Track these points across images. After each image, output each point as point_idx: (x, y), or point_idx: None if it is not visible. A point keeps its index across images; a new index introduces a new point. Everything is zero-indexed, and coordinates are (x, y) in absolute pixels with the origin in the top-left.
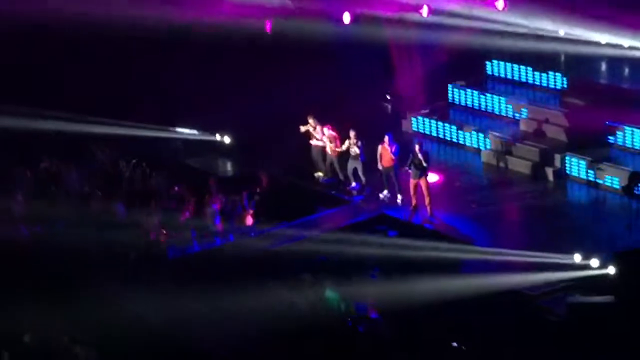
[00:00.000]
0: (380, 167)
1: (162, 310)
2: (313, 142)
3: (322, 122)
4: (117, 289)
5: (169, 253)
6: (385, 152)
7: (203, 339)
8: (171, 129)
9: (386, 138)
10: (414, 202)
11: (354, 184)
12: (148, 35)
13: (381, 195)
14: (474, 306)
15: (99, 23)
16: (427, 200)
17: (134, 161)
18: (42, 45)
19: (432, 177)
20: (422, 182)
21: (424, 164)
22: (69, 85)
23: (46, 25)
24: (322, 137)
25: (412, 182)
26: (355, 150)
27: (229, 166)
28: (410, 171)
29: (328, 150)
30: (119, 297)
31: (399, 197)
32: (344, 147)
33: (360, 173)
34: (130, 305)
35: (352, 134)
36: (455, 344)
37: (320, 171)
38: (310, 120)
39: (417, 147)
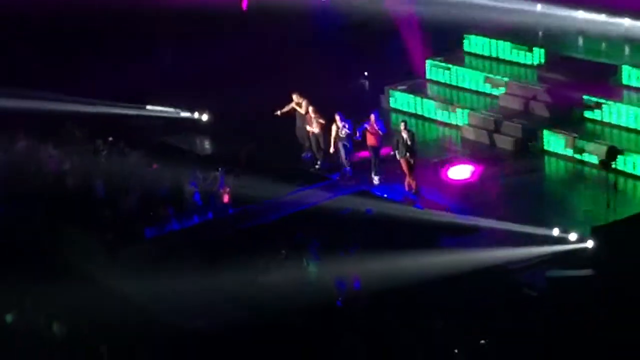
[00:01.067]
0: (368, 146)
1: (141, 288)
2: (298, 116)
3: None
4: (95, 268)
5: (146, 232)
6: (372, 131)
7: (184, 316)
8: (149, 106)
9: (372, 117)
10: (407, 179)
11: (347, 166)
12: (122, 11)
13: (375, 180)
14: (453, 280)
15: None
16: (411, 177)
17: (110, 139)
18: (13, 24)
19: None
20: (407, 160)
21: (409, 143)
22: (44, 64)
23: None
24: (306, 112)
25: (401, 160)
26: (344, 131)
27: (207, 144)
28: (396, 151)
29: (314, 126)
30: (97, 276)
31: (377, 178)
32: (333, 132)
33: (342, 152)
34: (108, 283)
35: (337, 117)
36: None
37: (308, 150)
38: (295, 97)
39: (402, 126)
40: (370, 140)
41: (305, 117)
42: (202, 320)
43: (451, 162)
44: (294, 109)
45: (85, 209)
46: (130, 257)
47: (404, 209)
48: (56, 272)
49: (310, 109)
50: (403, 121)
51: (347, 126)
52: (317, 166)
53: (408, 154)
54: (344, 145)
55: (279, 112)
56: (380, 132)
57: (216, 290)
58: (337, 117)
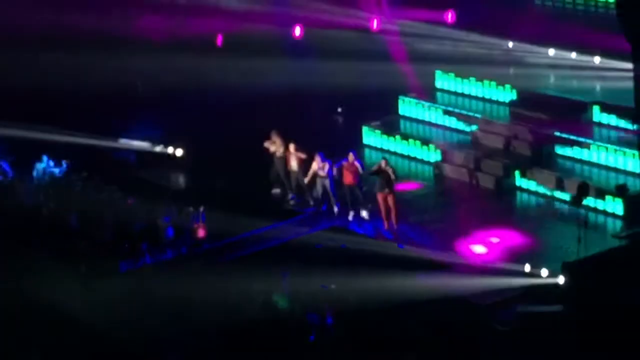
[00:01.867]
0: (344, 183)
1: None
2: (276, 156)
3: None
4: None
5: (120, 266)
6: (350, 169)
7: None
8: (123, 140)
9: (350, 155)
10: (383, 214)
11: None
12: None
13: (350, 217)
14: (425, 314)
15: (49, 30)
16: (393, 213)
17: (84, 174)
18: None
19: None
20: (390, 196)
21: (393, 177)
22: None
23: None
24: (286, 152)
25: (380, 195)
26: (324, 171)
27: (182, 179)
28: (376, 186)
29: (294, 166)
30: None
31: (365, 212)
32: (311, 171)
33: (329, 191)
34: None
35: (317, 158)
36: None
37: (278, 187)
38: (274, 136)
39: (383, 163)
40: (348, 178)
41: (280, 156)
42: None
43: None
44: (268, 148)
45: (59, 241)
46: (104, 290)
47: (378, 244)
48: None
49: (292, 146)
50: (384, 158)
51: (327, 166)
52: (291, 201)
53: (387, 190)
54: (323, 185)
55: (265, 144)
56: (360, 169)
57: (185, 326)
58: (318, 158)
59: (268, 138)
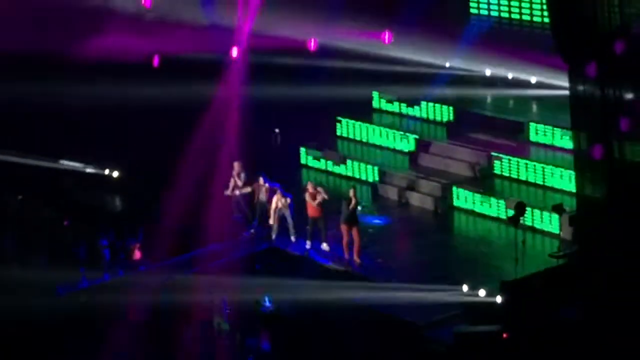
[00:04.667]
0: (309, 216)
1: None
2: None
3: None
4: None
5: (58, 289)
6: (312, 200)
7: None
8: (60, 161)
9: (309, 186)
10: (346, 244)
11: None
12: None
13: (307, 245)
14: (362, 335)
15: None
16: (356, 245)
17: (19, 197)
18: None
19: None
20: (354, 228)
21: (355, 210)
22: None
23: None
24: (255, 185)
25: (344, 227)
26: (287, 200)
27: (118, 201)
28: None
29: (262, 198)
30: None
31: (325, 245)
32: (273, 204)
33: (290, 220)
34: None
35: (278, 191)
36: None
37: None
38: (235, 165)
39: (351, 192)
40: (312, 210)
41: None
42: None
43: None
44: (235, 182)
45: None
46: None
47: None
48: None
49: (260, 179)
50: (353, 187)
51: (289, 200)
52: (252, 230)
53: (352, 221)
54: (288, 215)
55: (229, 193)
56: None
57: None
58: (279, 191)
59: (232, 168)
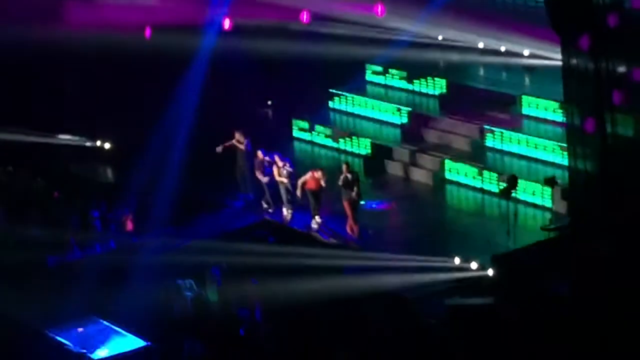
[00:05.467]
0: (308, 189)
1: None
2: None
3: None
4: None
5: (48, 260)
6: (315, 177)
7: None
8: (51, 135)
9: (344, 167)
10: (349, 222)
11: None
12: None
13: (313, 223)
14: (354, 309)
15: None
16: (354, 220)
17: (9, 168)
18: None
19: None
20: (351, 201)
21: (354, 184)
22: None
23: None
24: (255, 159)
25: (345, 202)
26: (286, 170)
27: (110, 173)
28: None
29: (276, 176)
30: None
31: (318, 218)
32: (275, 175)
33: (290, 195)
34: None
35: (276, 157)
36: None
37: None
38: (237, 135)
39: (344, 167)
40: (311, 183)
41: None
42: None
43: None
44: (234, 146)
45: None
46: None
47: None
48: None
49: (259, 153)
50: (345, 162)
51: (287, 164)
52: (270, 210)
53: (354, 194)
54: (288, 187)
55: (219, 148)
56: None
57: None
58: (277, 157)
59: (231, 138)
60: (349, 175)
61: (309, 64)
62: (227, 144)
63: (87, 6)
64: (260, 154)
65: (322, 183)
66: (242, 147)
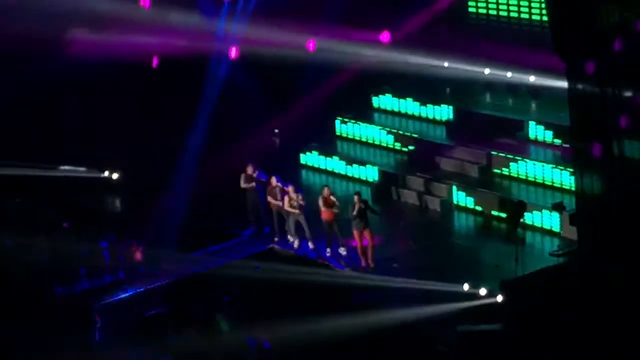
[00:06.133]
0: (324, 220)
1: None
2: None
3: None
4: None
5: (57, 290)
6: (327, 204)
7: None
8: (58, 167)
9: (326, 190)
10: (360, 249)
11: (296, 242)
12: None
13: (327, 252)
14: (365, 337)
15: None
16: (370, 249)
17: (17, 200)
18: None
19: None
20: (366, 231)
21: (368, 212)
22: None
23: None
24: (269, 187)
25: (356, 232)
26: (300, 202)
27: (118, 203)
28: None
29: (286, 206)
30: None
31: (343, 249)
32: (286, 205)
33: (305, 227)
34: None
35: (291, 187)
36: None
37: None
38: (249, 170)
39: (356, 198)
40: (326, 214)
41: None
42: None
43: None
44: (251, 178)
45: None
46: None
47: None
48: None
49: (273, 179)
50: (357, 192)
51: (301, 197)
52: (275, 239)
53: (362, 225)
54: (299, 219)
55: (245, 185)
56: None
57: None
58: (291, 188)
59: (244, 171)
60: (362, 205)
61: (316, 92)
62: (247, 185)
63: (92, 38)
64: (274, 180)
65: (335, 210)
66: (253, 183)
